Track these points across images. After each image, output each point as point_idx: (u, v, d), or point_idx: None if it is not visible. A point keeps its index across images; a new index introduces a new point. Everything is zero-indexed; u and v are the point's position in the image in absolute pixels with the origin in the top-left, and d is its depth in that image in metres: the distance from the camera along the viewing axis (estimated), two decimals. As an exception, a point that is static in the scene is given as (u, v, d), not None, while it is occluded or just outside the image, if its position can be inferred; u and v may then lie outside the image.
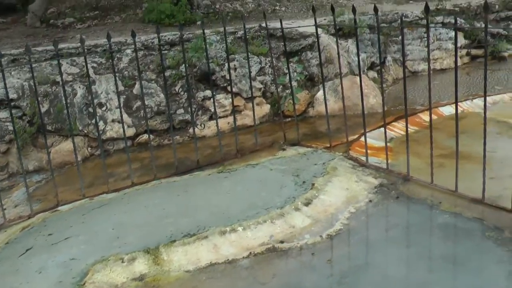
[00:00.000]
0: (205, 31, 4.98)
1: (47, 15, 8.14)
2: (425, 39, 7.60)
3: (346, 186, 4.25)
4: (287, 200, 4.02)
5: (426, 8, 4.02)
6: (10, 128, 5.04)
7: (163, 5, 7.61)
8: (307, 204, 3.97)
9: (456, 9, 8.30)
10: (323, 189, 4.17)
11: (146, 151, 5.33)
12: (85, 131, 5.55)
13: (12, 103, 5.25)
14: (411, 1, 8.90)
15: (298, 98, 6.01)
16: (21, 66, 5.60)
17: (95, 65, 5.92)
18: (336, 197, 4.10)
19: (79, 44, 4.68)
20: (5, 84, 4.21)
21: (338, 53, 5.00)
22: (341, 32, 6.77)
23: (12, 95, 5.28)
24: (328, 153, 4.91)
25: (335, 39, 5.28)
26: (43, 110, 5.35)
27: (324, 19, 7.04)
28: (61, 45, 5.84)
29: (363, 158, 4.67)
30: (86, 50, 4.90)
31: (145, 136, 5.52)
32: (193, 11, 7.76)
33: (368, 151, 4.67)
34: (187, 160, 5.12)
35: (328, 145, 5.06)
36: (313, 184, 4.22)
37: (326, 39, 6.55)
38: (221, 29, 5.34)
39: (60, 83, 4.59)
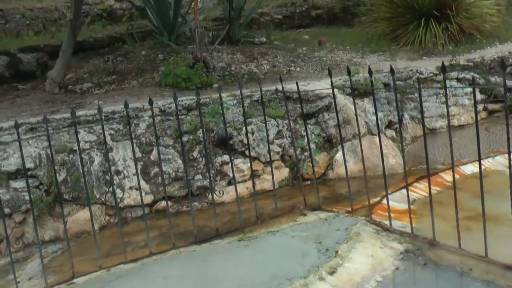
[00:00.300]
0: (222, 94, 4.99)
1: (66, 81, 8.25)
2: (441, 95, 7.58)
3: (371, 253, 4.12)
4: (310, 269, 3.89)
5: (443, 68, 4.00)
6: (27, 197, 4.98)
7: (179, 69, 7.70)
8: (331, 273, 3.85)
9: (470, 64, 8.28)
10: (347, 256, 4.05)
11: (164, 218, 5.24)
12: (102, 199, 5.49)
13: (29, 173, 5.24)
14: (424, 57, 8.92)
15: (317, 160, 5.93)
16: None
17: (112, 132, 5.91)
18: (361, 264, 3.97)
19: (96, 111, 4.69)
20: (22, 154, 4.21)
21: (356, 114, 4.96)
22: (357, 92, 6.76)
23: (29, 165, 5.29)
24: (350, 218, 4.80)
25: (351, 99, 5.26)
26: (60, 179, 5.34)
27: (340, 79, 7.04)
28: (78, 113, 5.88)
29: (386, 222, 4.55)
30: (103, 117, 4.91)
31: (163, 203, 5.44)
32: (209, 74, 7.81)
33: (391, 215, 4.55)
34: (206, 228, 5.01)
35: (350, 209, 4.95)
36: (336, 252, 4.11)
37: (343, 100, 6.53)
38: (238, 92, 5.35)
39: (77, 152, 4.58)
